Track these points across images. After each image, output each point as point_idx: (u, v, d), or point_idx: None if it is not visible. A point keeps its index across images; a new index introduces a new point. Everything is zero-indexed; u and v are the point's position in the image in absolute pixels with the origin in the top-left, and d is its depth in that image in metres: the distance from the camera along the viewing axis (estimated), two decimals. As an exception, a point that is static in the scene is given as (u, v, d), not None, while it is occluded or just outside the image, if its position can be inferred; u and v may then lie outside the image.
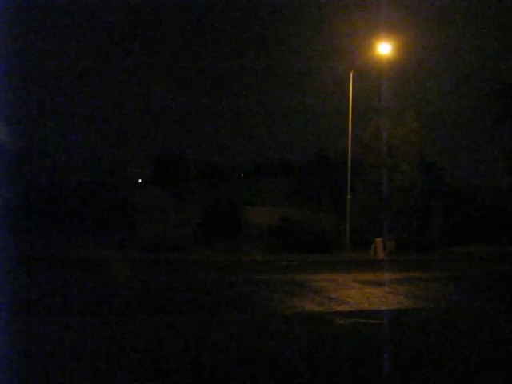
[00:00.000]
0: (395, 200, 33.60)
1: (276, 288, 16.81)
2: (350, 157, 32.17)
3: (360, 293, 15.90)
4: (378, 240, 31.09)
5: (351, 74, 32.02)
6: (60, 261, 24.20)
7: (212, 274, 21.20)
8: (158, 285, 17.66)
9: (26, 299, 13.83)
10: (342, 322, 11.13)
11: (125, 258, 26.16)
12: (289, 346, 8.93)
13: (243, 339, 9.40)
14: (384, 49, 30.56)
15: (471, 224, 39.56)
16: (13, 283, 16.68)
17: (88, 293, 15.37)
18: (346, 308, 13.10)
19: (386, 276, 21.35)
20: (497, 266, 27.75)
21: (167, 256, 27.33)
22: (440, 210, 38.54)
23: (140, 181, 58.21)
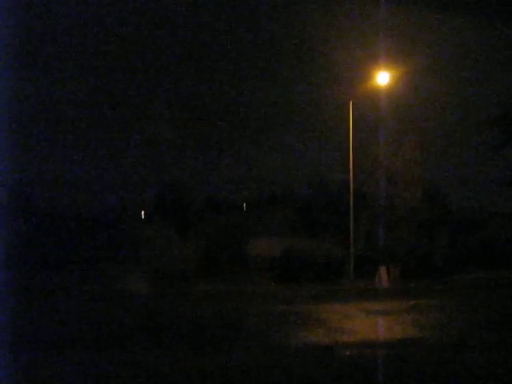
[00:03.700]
0: (399, 228, 33.48)
1: (280, 319, 16.67)
2: (352, 186, 32.17)
3: (365, 323, 15.75)
4: (382, 268, 30.88)
5: (351, 103, 32.17)
6: (66, 294, 24.11)
7: (215, 306, 21.04)
8: (158, 318, 17.53)
9: (41, 333, 13.72)
10: (348, 353, 11.01)
11: (129, 291, 26.05)
12: (294, 379, 8.81)
13: (247, 372, 9.28)
14: (383, 78, 30.82)
15: (476, 250, 39.31)
16: (24, 317, 16.55)
17: (102, 326, 15.25)
18: (352, 339, 12.96)
19: (391, 305, 21.15)
20: (503, 292, 27.49)
21: (171, 289, 27.23)
22: (444, 236, 38.33)
23: (143, 213, 58.06)
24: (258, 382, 8.61)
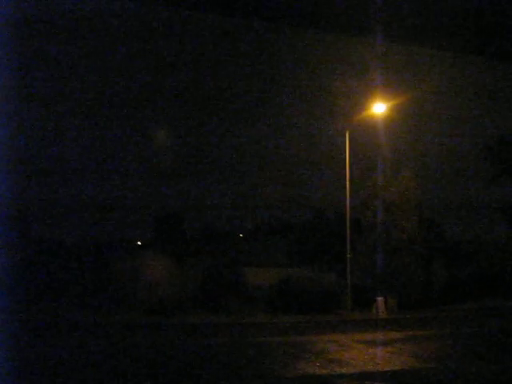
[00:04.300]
0: (396, 257, 33.45)
1: (277, 350, 16.57)
2: (348, 215, 32.22)
3: (363, 353, 15.66)
4: (380, 298, 30.80)
5: (347, 133, 32.39)
6: (61, 326, 23.92)
7: (212, 337, 20.93)
8: (156, 351, 17.41)
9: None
10: (346, 385, 10.95)
11: (123, 323, 25.90)
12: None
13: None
14: (380, 108, 31.09)
15: (473, 280, 39.28)
16: (17, 351, 16.41)
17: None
18: (350, 370, 12.88)
19: (389, 335, 21.04)
20: (500, 321, 27.42)
21: (168, 320, 27.10)
22: (441, 266, 38.33)
23: (139, 243, 58.00)
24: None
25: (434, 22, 4.29)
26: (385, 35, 4.76)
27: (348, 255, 31.73)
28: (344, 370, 12.82)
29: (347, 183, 32.28)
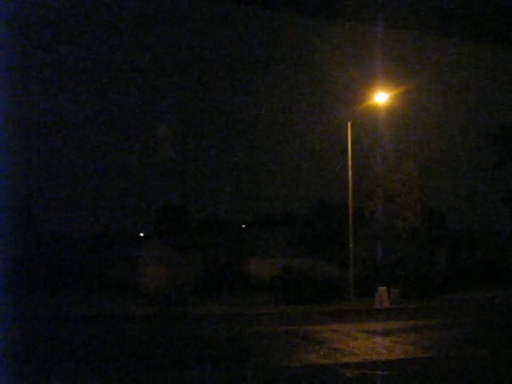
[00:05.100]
0: (398, 247, 33.43)
1: (281, 340, 16.61)
2: (350, 206, 32.15)
3: (366, 343, 15.68)
4: (382, 288, 30.78)
5: (349, 124, 32.27)
6: (65, 318, 23.99)
7: (215, 327, 20.96)
8: (159, 340, 17.46)
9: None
10: (349, 374, 10.95)
11: (127, 313, 25.97)
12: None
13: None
14: (382, 99, 30.95)
15: (475, 269, 39.30)
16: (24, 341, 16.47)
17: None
18: (353, 359, 12.89)
19: (392, 325, 21.06)
20: (501, 310, 27.44)
21: (170, 310, 27.16)
22: (443, 256, 38.32)
23: (142, 234, 58.03)
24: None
25: (441, 6, 4.23)
26: (387, 22, 4.71)
27: (350, 245, 31.70)
28: (347, 360, 12.84)
29: (349, 174, 32.18)
